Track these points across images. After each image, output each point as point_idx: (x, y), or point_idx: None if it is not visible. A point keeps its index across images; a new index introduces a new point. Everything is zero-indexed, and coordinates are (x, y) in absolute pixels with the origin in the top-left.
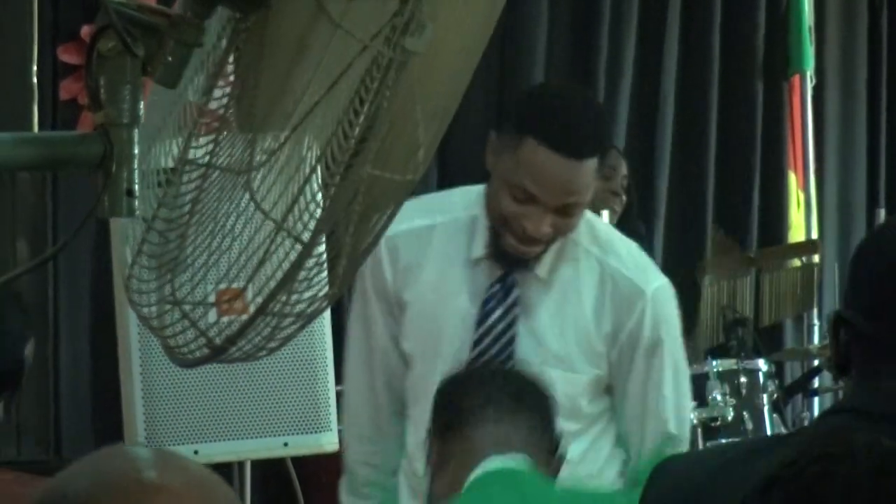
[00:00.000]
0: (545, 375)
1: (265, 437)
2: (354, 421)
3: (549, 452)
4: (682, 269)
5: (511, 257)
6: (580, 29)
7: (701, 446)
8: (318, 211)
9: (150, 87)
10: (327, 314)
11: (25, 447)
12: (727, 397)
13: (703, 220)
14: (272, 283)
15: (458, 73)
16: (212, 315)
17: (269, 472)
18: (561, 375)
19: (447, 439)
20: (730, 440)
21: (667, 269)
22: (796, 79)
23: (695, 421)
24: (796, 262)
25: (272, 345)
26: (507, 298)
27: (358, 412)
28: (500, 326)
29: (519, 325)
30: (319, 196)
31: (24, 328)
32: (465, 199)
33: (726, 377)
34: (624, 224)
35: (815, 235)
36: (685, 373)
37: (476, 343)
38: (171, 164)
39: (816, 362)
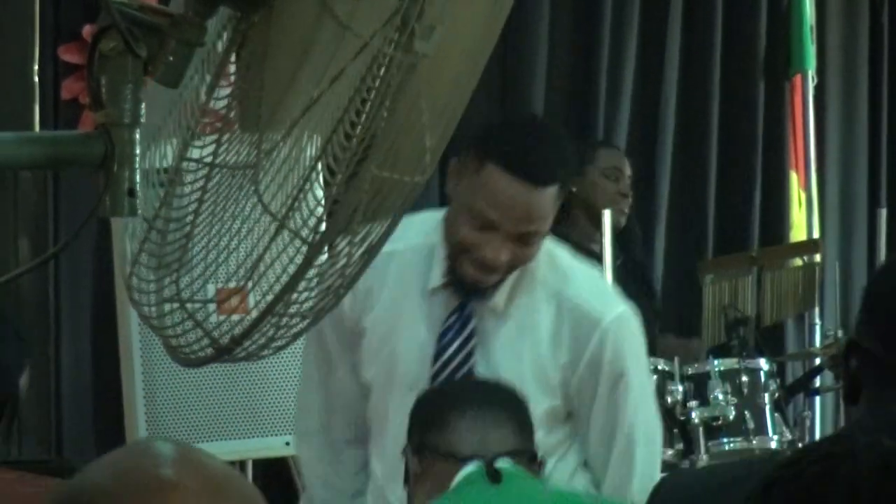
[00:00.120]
0: None
1: (266, 436)
2: (309, 443)
3: (529, 460)
4: (683, 268)
5: (468, 286)
6: (581, 29)
7: (703, 446)
8: (321, 210)
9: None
10: None
11: (27, 447)
12: (729, 396)
13: (705, 219)
14: (279, 284)
15: (465, 74)
16: (217, 315)
17: (270, 471)
18: None
19: (426, 453)
20: (732, 442)
21: (668, 268)
22: (798, 78)
23: (696, 420)
24: (798, 262)
25: (277, 344)
26: (465, 329)
27: (311, 436)
28: (458, 358)
29: (476, 355)
30: (321, 195)
31: (21, 356)
32: (425, 226)
33: (728, 376)
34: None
35: (816, 235)
36: (652, 400)
37: (434, 376)
38: (172, 163)
39: (818, 361)
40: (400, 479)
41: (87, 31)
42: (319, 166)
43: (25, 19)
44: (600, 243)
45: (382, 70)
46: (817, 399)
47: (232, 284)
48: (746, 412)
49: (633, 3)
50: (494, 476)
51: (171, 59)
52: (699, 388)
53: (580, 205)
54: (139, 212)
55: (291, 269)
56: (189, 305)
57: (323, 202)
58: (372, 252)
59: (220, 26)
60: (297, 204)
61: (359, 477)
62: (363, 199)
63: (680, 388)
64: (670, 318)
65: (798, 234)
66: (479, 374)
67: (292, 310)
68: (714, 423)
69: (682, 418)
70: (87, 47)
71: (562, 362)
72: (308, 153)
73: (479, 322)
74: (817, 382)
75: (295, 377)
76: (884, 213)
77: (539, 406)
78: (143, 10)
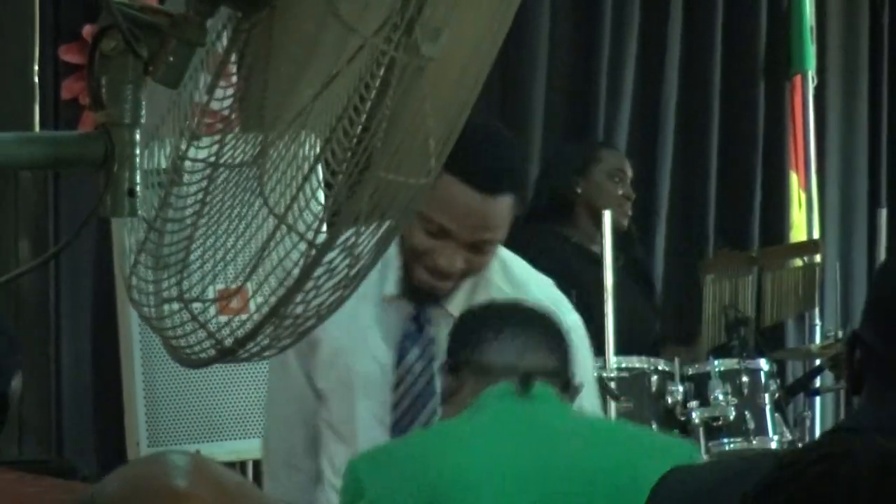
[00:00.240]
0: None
1: None
2: (278, 449)
3: (563, 385)
4: (683, 268)
5: (423, 293)
6: (582, 29)
7: (703, 446)
8: (324, 210)
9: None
10: None
11: (27, 447)
12: (729, 397)
13: (705, 219)
14: (283, 287)
15: (470, 76)
16: (222, 316)
17: None
18: None
19: (461, 370)
20: (733, 442)
21: (668, 268)
22: (798, 79)
23: (696, 421)
24: (798, 262)
25: (282, 344)
26: (422, 336)
27: (279, 444)
28: (419, 366)
29: (437, 361)
30: (322, 194)
31: (11, 359)
32: None
33: (728, 377)
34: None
35: (816, 235)
36: (599, 409)
37: (397, 384)
38: (168, 163)
39: (818, 362)
40: None
41: (88, 31)
42: (320, 166)
43: (25, 19)
44: (601, 244)
45: (382, 69)
46: (817, 399)
47: (236, 285)
48: (747, 412)
49: (633, 3)
50: (523, 390)
51: (172, 59)
52: (699, 388)
53: (583, 205)
54: (139, 212)
55: (296, 271)
56: (193, 306)
57: (327, 202)
58: (378, 251)
59: (220, 26)
60: (301, 204)
61: (314, 490)
62: (368, 201)
63: (680, 388)
64: (670, 318)
65: (798, 234)
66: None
67: (298, 310)
68: (714, 424)
69: (682, 419)
70: (87, 47)
71: None
72: (309, 152)
73: (436, 329)
74: (817, 383)
75: None
76: (884, 213)
77: None
78: (144, 10)
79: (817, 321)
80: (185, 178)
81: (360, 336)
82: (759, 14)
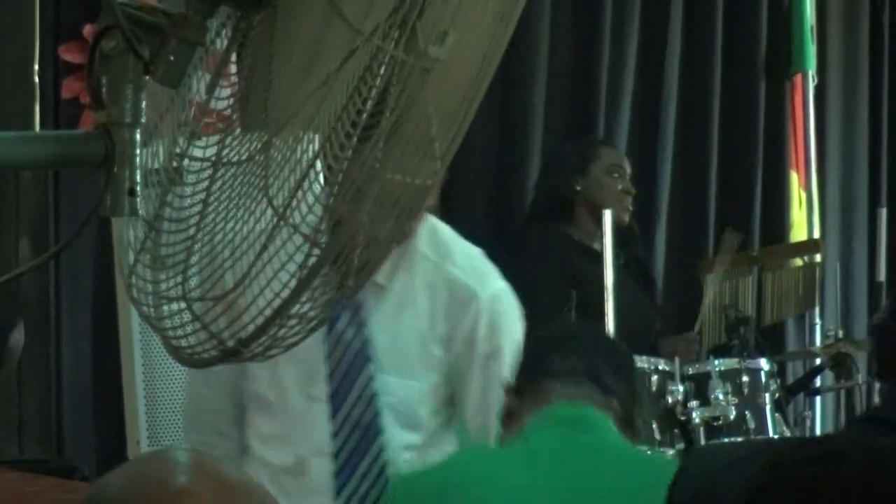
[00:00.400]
0: (382, 382)
1: None
2: (204, 414)
3: (622, 419)
4: (684, 267)
5: None
6: (582, 29)
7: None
8: (327, 210)
9: None
10: None
11: (27, 447)
12: (729, 396)
13: (706, 219)
14: (288, 288)
15: (476, 77)
16: (224, 317)
17: None
18: (398, 382)
19: (523, 392)
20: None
21: (669, 267)
22: (798, 78)
23: (697, 420)
24: (798, 262)
25: (287, 343)
26: (351, 304)
27: (199, 413)
28: (350, 332)
29: (365, 329)
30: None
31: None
32: None
33: (728, 376)
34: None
35: (817, 235)
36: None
37: (329, 353)
38: (173, 163)
39: (818, 361)
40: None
41: (88, 30)
42: (320, 165)
43: (26, 19)
44: (602, 242)
45: (383, 68)
46: (818, 399)
47: (240, 286)
48: (747, 412)
49: (633, 3)
50: (577, 421)
51: (172, 58)
52: (700, 387)
53: (583, 203)
54: (140, 212)
55: (304, 272)
56: (195, 306)
57: (330, 202)
58: (382, 251)
59: (219, 25)
60: (305, 204)
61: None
62: (371, 201)
63: (680, 387)
64: (670, 318)
65: (798, 233)
66: (372, 344)
67: (304, 309)
68: (715, 423)
69: (682, 418)
70: (87, 47)
71: (439, 335)
72: (311, 152)
73: (364, 296)
74: (818, 382)
75: None
76: (884, 212)
77: (421, 382)
78: (144, 10)
79: (817, 321)
80: (187, 177)
81: None
82: (760, 13)
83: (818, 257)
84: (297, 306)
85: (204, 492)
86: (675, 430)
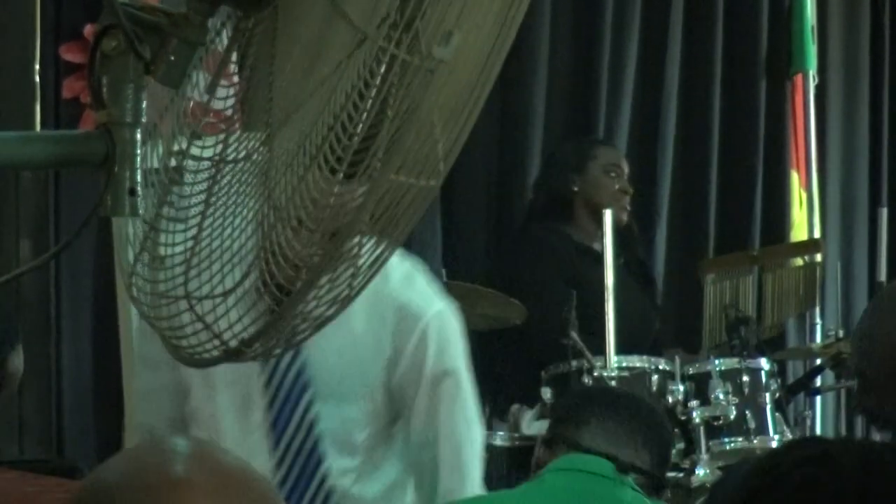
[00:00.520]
0: (318, 409)
1: None
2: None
3: (653, 485)
4: (684, 267)
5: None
6: (582, 30)
7: (704, 446)
8: (328, 210)
9: None
10: None
11: (27, 447)
12: (730, 396)
13: (706, 218)
14: (294, 287)
15: (479, 77)
16: (226, 318)
17: None
18: (334, 408)
19: (556, 444)
20: (733, 441)
21: (669, 267)
22: (799, 78)
23: (697, 420)
24: (798, 261)
25: (292, 342)
26: None
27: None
28: (286, 359)
29: (303, 353)
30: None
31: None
32: None
33: (729, 376)
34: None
35: (817, 234)
36: (472, 396)
37: (268, 381)
38: (173, 162)
39: (818, 361)
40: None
41: (89, 30)
42: (322, 163)
43: (26, 18)
44: (602, 242)
45: (383, 67)
46: (818, 399)
47: (242, 285)
48: (747, 412)
49: (634, 3)
50: (594, 470)
51: (173, 58)
52: (700, 387)
53: (582, 203)
54: (140, 211)
55: (307, 273)
56: (198, 305)
57: (331, 203)
58: (386, 251)
59: (219, 24)
60: (308, 202)
61: None
62: (377, 202)
63: (681, 387)
64: (671, 318)
65: (799, 233)
66: (308, 371)
67: (305, 312)
68: (715, 423)
69: (682, 418)
70: (88, 46)
71: (384, 358)
72: (311, 151)
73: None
74: (818, 382)
75: None
76: (885, 212)
77: (357, 406)
78: (145, 10)
79: (818, 320)
80: (188, 177)
81: None
82: (760, 13)
83: (819, 257)
84: (302, 305)
85: (203, 480)
86: (676, 430)
